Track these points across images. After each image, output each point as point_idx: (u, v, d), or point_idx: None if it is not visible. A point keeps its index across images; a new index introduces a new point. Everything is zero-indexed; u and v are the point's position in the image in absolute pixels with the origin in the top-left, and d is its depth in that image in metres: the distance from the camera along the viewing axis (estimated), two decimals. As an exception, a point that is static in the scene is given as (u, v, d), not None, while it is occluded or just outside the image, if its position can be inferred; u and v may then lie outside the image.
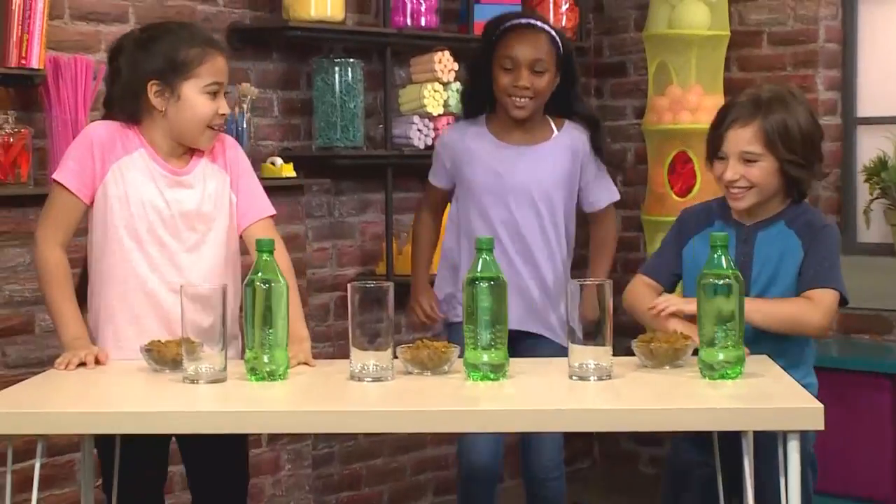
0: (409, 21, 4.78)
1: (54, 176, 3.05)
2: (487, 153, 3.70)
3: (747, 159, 2.99)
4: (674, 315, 2.95)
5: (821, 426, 2.44)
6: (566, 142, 3.73)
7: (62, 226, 3.03)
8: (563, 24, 5.23)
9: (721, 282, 2.66)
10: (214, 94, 3.01)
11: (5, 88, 3.90)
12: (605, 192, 3.82)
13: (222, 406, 2.61)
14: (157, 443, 3.08)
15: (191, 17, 4.30)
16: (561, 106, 3.75)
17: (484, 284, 2.68)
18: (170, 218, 3.03)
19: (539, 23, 3.71)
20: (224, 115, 3.05)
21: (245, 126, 4.32)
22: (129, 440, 2.99)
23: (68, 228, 3.04)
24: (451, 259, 3.80)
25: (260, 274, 2.71)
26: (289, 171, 4.47)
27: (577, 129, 3.76)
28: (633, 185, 5.51)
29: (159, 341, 2.87)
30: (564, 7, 5.24)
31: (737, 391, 2.62)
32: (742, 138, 2.99)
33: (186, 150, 3.07)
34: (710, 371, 2.67)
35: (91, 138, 3.02)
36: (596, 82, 5.70)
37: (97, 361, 2.90)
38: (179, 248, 3.03)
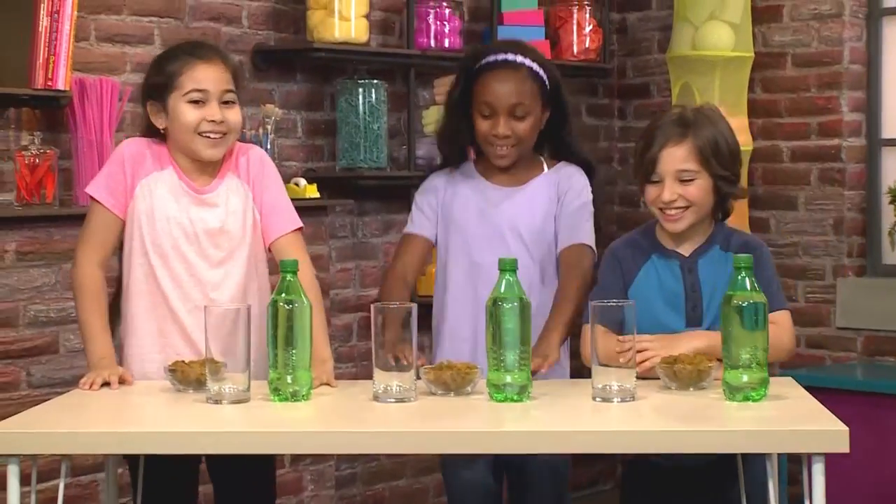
0: (432, 42, 4.79)
1: (87, 189, 3.10)
2: (477, 193, 3.32)
3: (683, 179, 2.96)
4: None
5: (846, 448, 2.42)
6: (555, 177, 3.32)
7: (98, 243, 3.05)
8: (587, 45, 5.24)
9: (746, 303, 2.65)
10: (199, 102, 3.01)
11: (32, 110, 3.93)
12: (575, 231, 3.26)
13: (245, 426, 2.61)
14: (187, 463, 3.07)
15: (215, 39, 4.32)
16: (554, 143, 3.36)
17: (507, 305, 2.68)
18: (193, 235, 3.04)
19: (518, 57, 3.27)
20: (213, 120, 3.01)
21: (269, 147, 4.34)
22: (159, 460, 2.99)
23: (105, 245, 3.06)
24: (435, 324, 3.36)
25: (283, 294, 2.72)
26: (312, 191, 4.48)
27: (573, 166, 3.35)
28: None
29: (183, 361, 2.88)
30: (588, 29, 5.25)
31: (761, 413, 2.60)
32: (677, 157, 2.96)
33: (211, 167, 3.08)
34: (734, 393, 2.66)
35: (123, 154, 3.07)
36: (619, 104, 5.71)
37: (121, 381, 2.91)
38: (205, 265, 3.04)
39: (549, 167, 3.34)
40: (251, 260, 3.08)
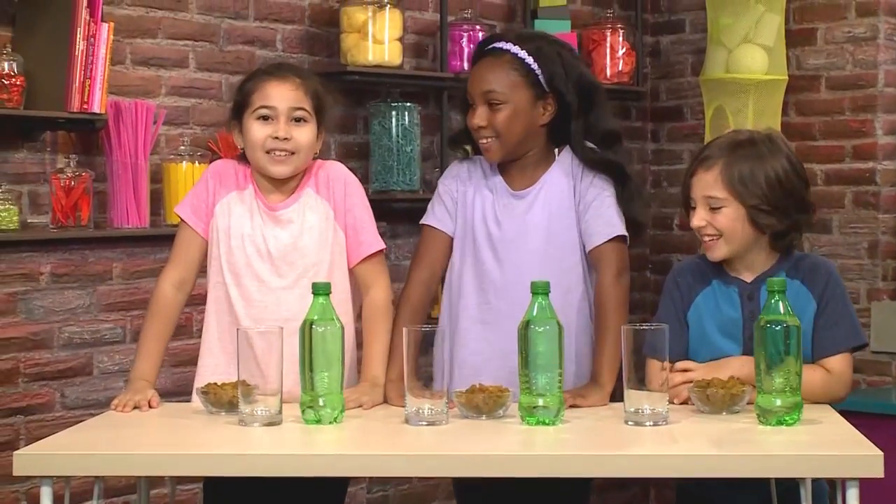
0: (465, 66, 4.80)
1: (175, 208, 3.14)
2: (493, 197, 3.13)
3: (712, 206, 2.86)
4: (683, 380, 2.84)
5: (880, 473, 2.40)
6: (566, 162, 3.11)
7: (179, 260, 3.07)
8: (620, 68, 5.23)
9: (779, 327, 2.64)
10: (267, 119, 3.00)
11: (67, 133, 3.96)
12: (603, 226, 3.05)
13: (275, 449, 2.61)
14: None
15: (249, 63, 4.35)
16: (570, 143, 3.11)
17: (539, 329, 2.67)
18: (266, 253, 3.03)
19: (507, 45, 3.05)
20: (278, 137, 2.98)
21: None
22: (236, 488, 2.93)
23: (185, 264, 3.07)
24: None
25: (315, 317, 2.72)
26: (345, 214, 4.48)
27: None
28: (692, 230, 5.47)
29: (215, 384, 2.88)
30: (621, 52, 5.24)
31: (794, 437, 2.59)
32: (706, 182, 2.87)
33: (287, 184, 3.06)
34: (768, 417, 2.65)
35: (209, 172, 3.11)
36: (652, 126, 5.70)
37: (149, 406, 2.92)
38: (280, 284, 3.02)
39: (559, 153, 3.12)
40: (330, 277, 2.99)
